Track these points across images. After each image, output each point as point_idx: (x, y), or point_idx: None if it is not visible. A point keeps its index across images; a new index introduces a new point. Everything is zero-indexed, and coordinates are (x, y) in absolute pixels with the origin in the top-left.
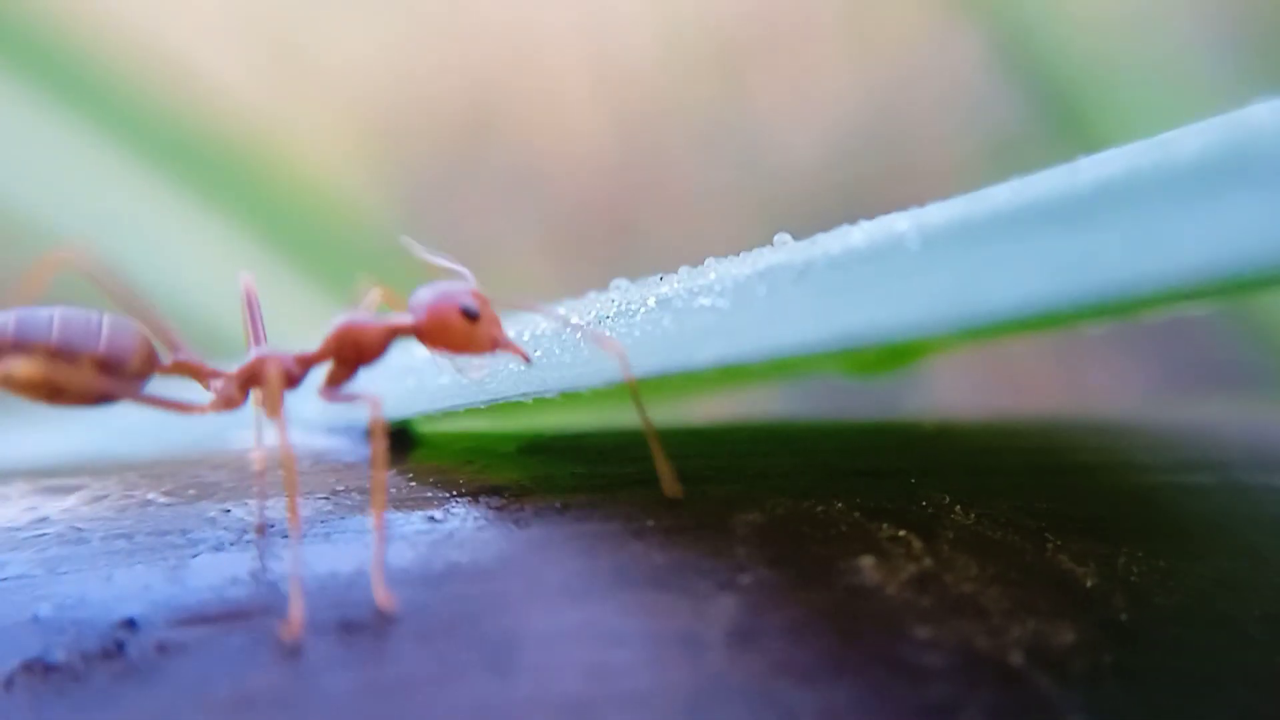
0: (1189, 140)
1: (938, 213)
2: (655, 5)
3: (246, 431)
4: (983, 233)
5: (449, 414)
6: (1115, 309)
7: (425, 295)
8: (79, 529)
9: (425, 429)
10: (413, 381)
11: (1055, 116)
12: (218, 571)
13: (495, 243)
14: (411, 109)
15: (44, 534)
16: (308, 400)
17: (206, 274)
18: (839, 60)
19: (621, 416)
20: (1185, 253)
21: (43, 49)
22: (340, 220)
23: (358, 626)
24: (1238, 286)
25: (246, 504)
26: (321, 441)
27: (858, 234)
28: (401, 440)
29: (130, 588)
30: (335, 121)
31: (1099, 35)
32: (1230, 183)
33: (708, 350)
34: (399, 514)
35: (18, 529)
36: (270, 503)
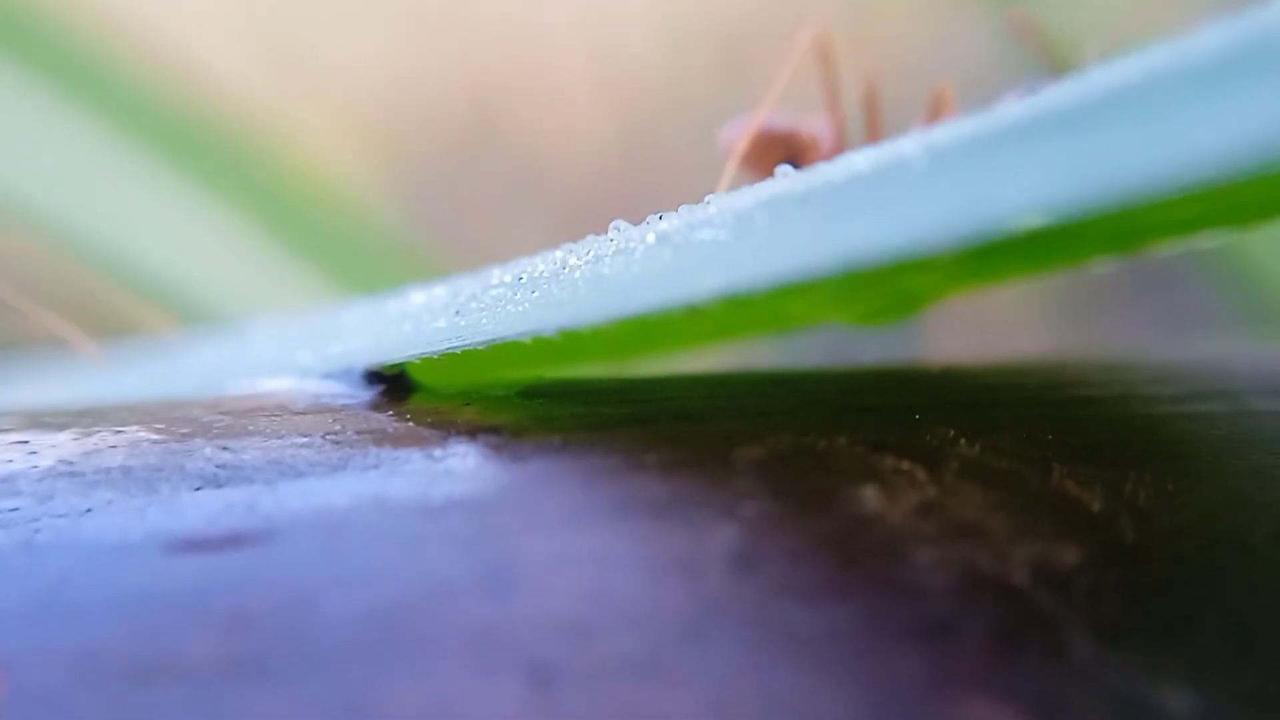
0: (1207, 38)
1: (944, 131)
2: (656, 3)
3: (243, 380)
4: (991, 143)
5: (447, 358)
6: (1128, 231)
7: None
8: (71, 463)
9: (423, 377)
10: (409, 326)
11: None
12: (216, 504)
13: (497, 239)
14: (414, 106)
15: (35, 467)
16: (301, 347)
17: (209, 267)
18: (842, 55)
19: (622, 366)
20: (1203, 148)
21: (46, 43)
22: (344, 215)
23: (353, 554)
24: (1256, 205)
25: (245, 443)
26: (317, 385)
27: (861, 159)
28: (399, 385)
29: (125, 519)
30: (338, 118)
31: (1109, 28)
32: (1251, 75)
33: (709, 281)
34: (396, 451)
35: (9, 461)
36: (259, 441)
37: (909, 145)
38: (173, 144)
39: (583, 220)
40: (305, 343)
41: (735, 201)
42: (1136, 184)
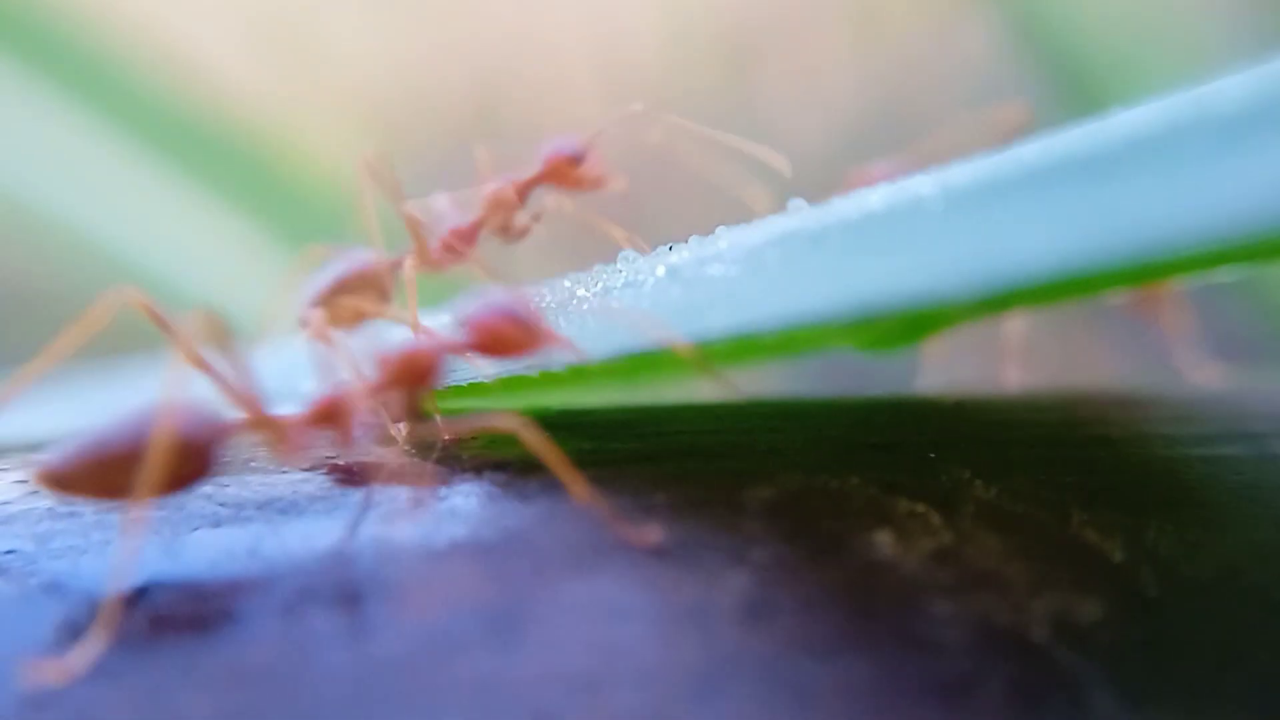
0: (1228, 90)
1: (961, 172)
2: (660, 3)
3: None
4: (1009, 190)
5: (454, 390)
6: (1146, 270)
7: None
8: (70, 503)
9: (429, 406)
10: None
11: (1070, 103)
12: (215, 546)
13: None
14: (417, 99)
15: (34, 508)
16: (305, 375)
17: (213, 263)
18: (846, 48)
19: (628, 395)
20: (1224, 204)
21: (50, 41)
22: (347, 210)
23: (357, 601)
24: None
25: (245, 480)
26: None
27: (876, 197)
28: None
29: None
30: (341, 112)
31: (1115, 18)
32: (1272, 131)
33: (718, 319)
34: (400, 489)
35: (8, 503)
36: (259, 478)
37: (925, 186)
38: (176, 140)
39: (586, 212)
40: (309, 371)
41: (745, 237)
42: (1158, 234)
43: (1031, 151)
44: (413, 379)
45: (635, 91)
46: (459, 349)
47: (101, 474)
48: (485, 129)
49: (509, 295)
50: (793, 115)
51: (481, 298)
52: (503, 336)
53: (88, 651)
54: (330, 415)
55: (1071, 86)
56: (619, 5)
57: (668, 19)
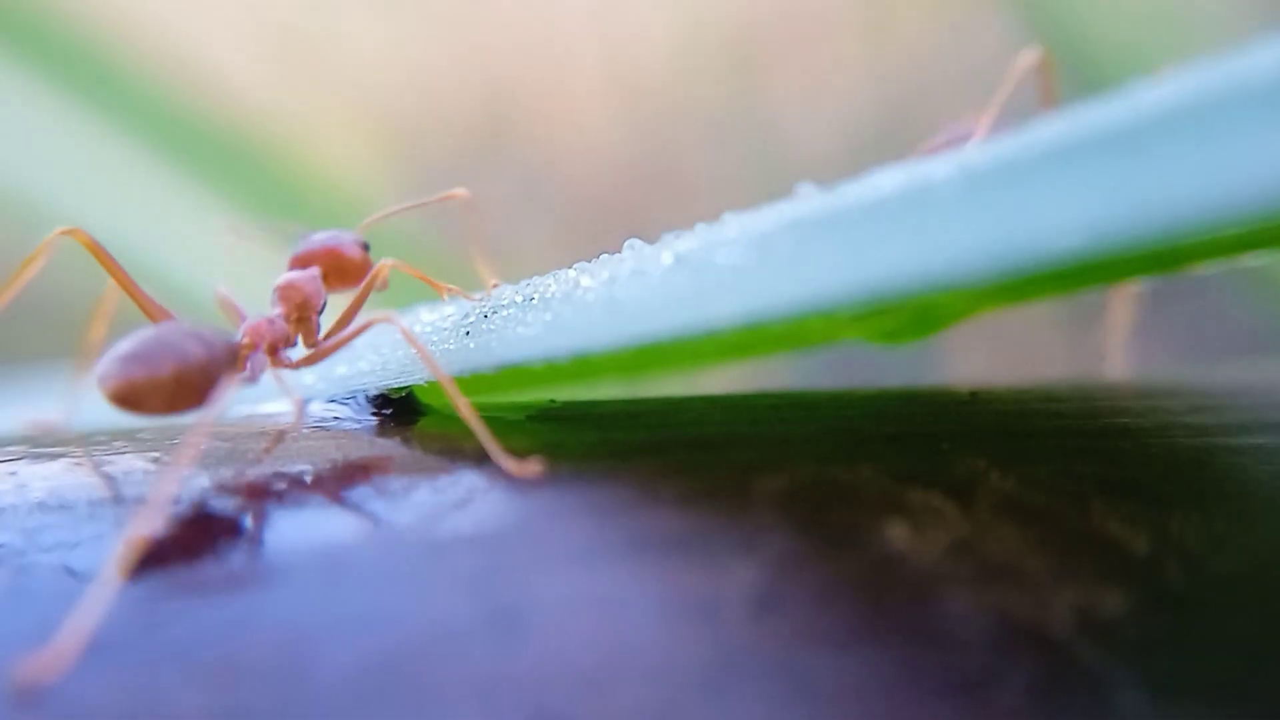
0: (1269, 57)
1: (980, 152)
2: (669, 8)
3: (242, 404)
4: (1031, 167)
5: (455, 380)
6: (1176, 252)
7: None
8: (62, 495)
9: (431, 400)
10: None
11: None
12: (207, 540)
13: (510, 238)
14: (427, 105)
15: (23, 501)
16: (307, 369)
17: (221, 265)
18: (855, 52)
19: (635, 387)
20: (1264, 179)
21: (58, 43)
22: (356, 216)
23: (355, 596)
24: None
25: (241, 470)
26: (322, 409)
27: (889, 180)
28: (406, 409)
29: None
30: (351, 118)
31: (1130, 23)
32: None
33: (728, 306)
34: (401, 480)
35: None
36: (256, 469)
37: (940, 168)
38: (186, 144)
39: (594, 223)
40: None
41: (754, 223)
42: (1188, 210)
43: (1054, 126)
44: (296, 306)
45: (645, 98)
46: (317, 277)
47: (174, 389)
48: (495, 134)
49: (329, 233)
50: (802, 117)
51: (306, 239)
52: (332, 262)
53: (75, 636)
54: (253, 344)
55: (1085, 88)
56: (629, 14)
57: (677, 27)
